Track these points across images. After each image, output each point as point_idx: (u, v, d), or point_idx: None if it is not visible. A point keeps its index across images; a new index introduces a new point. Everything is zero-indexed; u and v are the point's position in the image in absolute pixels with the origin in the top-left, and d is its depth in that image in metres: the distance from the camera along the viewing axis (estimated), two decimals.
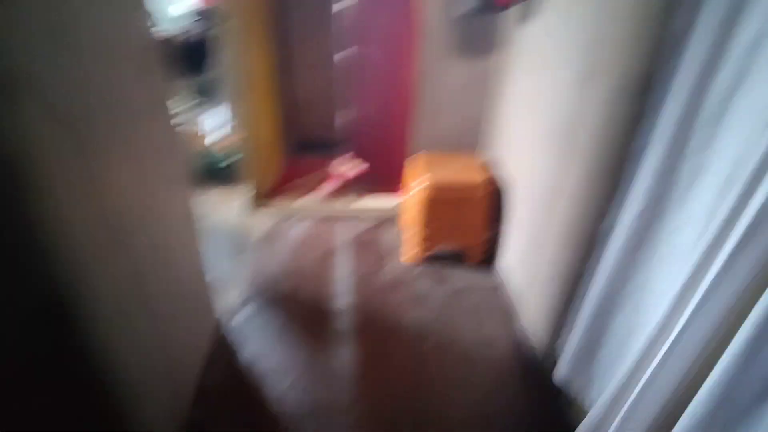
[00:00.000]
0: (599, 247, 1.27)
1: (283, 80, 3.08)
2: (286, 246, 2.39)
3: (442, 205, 2.13)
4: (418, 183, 2.10)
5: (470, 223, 2.19)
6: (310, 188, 2.90)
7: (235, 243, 2.41)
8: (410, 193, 2.19)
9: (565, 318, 1.49)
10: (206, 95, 2.38)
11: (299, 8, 2.85)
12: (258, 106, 2.53)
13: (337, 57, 3.00)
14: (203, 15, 2.33)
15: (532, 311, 1.81)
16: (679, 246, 0.94)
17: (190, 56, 2.31)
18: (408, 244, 2.28)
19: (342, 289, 2.12)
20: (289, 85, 3.10)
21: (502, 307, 2.03)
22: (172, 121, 1.43)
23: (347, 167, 3.13)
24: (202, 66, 2.32)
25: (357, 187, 2.91)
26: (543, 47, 1.70)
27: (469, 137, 2.42)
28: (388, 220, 2.67)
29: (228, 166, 2.74)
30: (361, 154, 2.94)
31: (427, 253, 2.27)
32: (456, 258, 2.30)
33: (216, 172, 2.86)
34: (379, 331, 1.92)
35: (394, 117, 2.69)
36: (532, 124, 1.81)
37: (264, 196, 2.74)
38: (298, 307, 2.02)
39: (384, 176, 2.90)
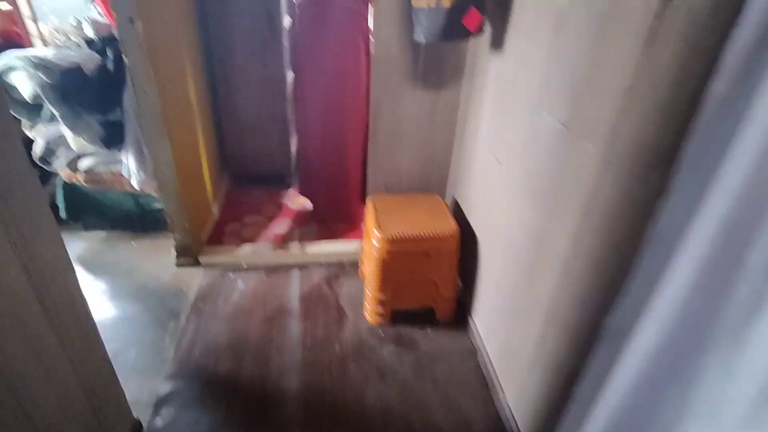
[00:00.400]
0: (606, 346, 1.00)
1: (221, 106, 2.72)
2: (227, 308, 2.03)
3: (404, 260, 1.83)
4: (375, 233, 1.80)
5: (437, 279, 1.90)
6: (256, 231, 2.54)
7: (166, 307, 2.03)
8: (368, 244, 1.88)
9: (561, 416, 1.22)
10: (120, 133, 1.99)
11: (240, 26, 2.49)
12: (184, 142, 2.16)
13: (283, 82, 2.67)
14: (113, 39, 1.94)
15: (516, 389, 1.54)
16: (726, 403, 0.67)
17: (102, 88, 1.91)
18: (369, 301, 1.97)
19: (293, 362, 1.78)
20: (229, 112, 2.73)
21: (479, 378, 1.75)
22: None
23: (297, 204, 2.80)
24: (116, 98, 1.93)
25: (310, 228, 2.58)
26: (519, 82, 1.43)
27: (432, 177, 2.13)
28: (348, 266, 2.35)
29: (162, 210, 2.36)
30: (311, 190, 2.61)
31: (391, 311, 1.97)
32: (424, 315, 2.01)
33: (148, 218, 2.46)
34: (339, 419, 1.59)
35: (346, 150, 2.38)
36: (507, 169, 1.53)
37: (201, 244, 2.36)
38: (240, 391, 1.67)
39: (339, 216, 2.59)
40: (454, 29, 1.49)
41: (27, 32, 2.85)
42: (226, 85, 2.63)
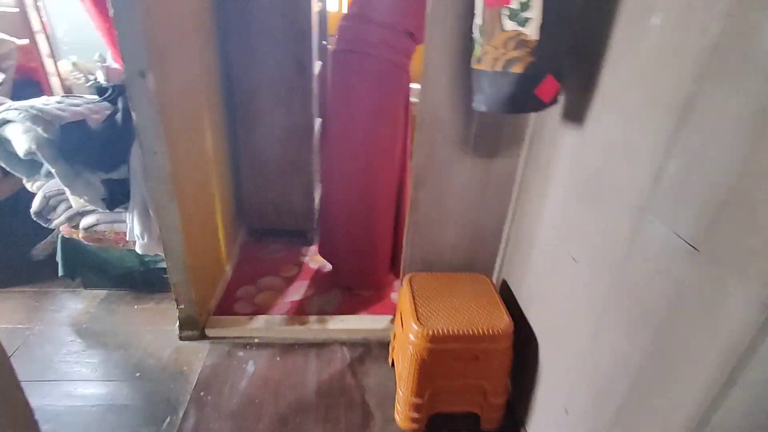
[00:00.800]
0: None
1: (241, 155, 2.49)
2: (233, 399, 1.74)
3: (446, 362, 1.52)
4: (413, 326, 1.50)
5: (486, 384, 1.59)
6: (272, 296, 2.26)
7: (163, 395, 1.75)
8: (403, 334, 1.58)
9: None
10: (125, 191, 1.75)
11: (266, 73, 2.28)
12: (196, 202, 1.92)
13: (310, 131, 2.44)
14: (121, 87, 1.73)
15: None
16: None
17: (108, 143, 1.69)
18: (402, 403, 1.65)
19: None
20: (249, 162, 2.50)
21: None
22: None
23: (318, 263, 2.53)
24: (123, 154, 1.71)
25: (332, 295, 2.29)
26: (612, 171, 1.13)
27: (479, 255, 1.84)
28: (375, 346, 2.04)
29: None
30: (333, 253, 2.34)
31: (428, 416, 1.65)
32: (467, 419, 1.68)
33: (153, 277, 2.21)
34: None
35: (376, 211, 2.11)
36: (589, 273, 1.23)
37: (209, 314, 2.09)
38: None
39: (363, 284, 2.30)
40: (524, 99, 1.22)
41: (44, 70, 2.71)
42: (248, 133, 2.41)
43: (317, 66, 2.46)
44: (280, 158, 2.49)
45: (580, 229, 1.27)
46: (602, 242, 1.16)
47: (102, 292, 2.26)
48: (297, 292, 2.32)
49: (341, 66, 1.95)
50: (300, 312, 2.16)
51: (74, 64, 2.85)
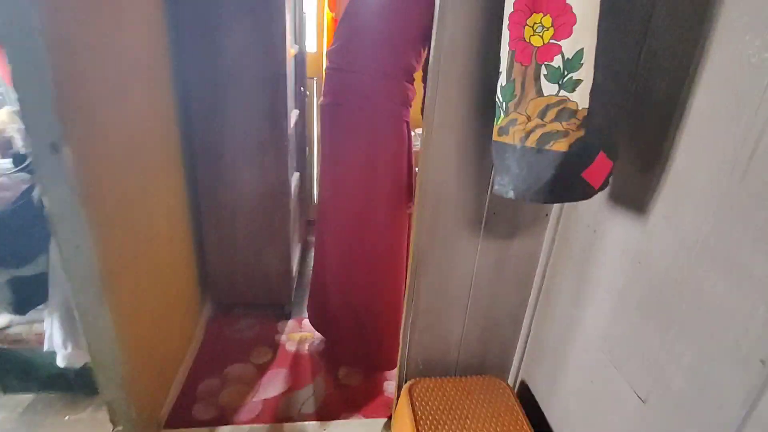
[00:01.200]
0: None
1: (205, 221, 2.12)
2: None
3: None
4: None
5: None
6: (240, 392, 1.86)
7: None
8: None
9: None
10: (43, 287, 1.37)
11: (234, 128, 1.94)
12: (140, 295, 1.53)
13: (285, 191, 2.11)
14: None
15: None
16: None
17: (18, 229, 1.31)
18: None
19: None
20: (214, 229, 2.13)
21: None
22: None
23: (297, 342, 2.15)
24: (40, 243, 1.33)
25: (315, 388, 1.90)
26: (692, 281, 0.81)
27: (492, 351, 1.50)
28: None
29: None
30: (326, 322, 2.00)
31: None
32: None
33: (89, 377, 1.79)
34: None
35: (385, 282, 1.79)
36: (667, 422, 0.89)
37: (159, 428, 1.68)
38: None
39: (370, 364, 1.95)
40: (568, 185, 0.90)
41: None
42: (212, 196, 2.05)
43: (294, 115, 2.15)
44: (250, 222, 2.13)
45: (646, 357, 0.94)
46: (692, 390, 0.82)
47: (27, 398, 1.82)
48: (271, 384, 1.93)
49: (330, 121, 1.65)
50: (274, 416, 1.76)
51: (17, 113, 2.48)
